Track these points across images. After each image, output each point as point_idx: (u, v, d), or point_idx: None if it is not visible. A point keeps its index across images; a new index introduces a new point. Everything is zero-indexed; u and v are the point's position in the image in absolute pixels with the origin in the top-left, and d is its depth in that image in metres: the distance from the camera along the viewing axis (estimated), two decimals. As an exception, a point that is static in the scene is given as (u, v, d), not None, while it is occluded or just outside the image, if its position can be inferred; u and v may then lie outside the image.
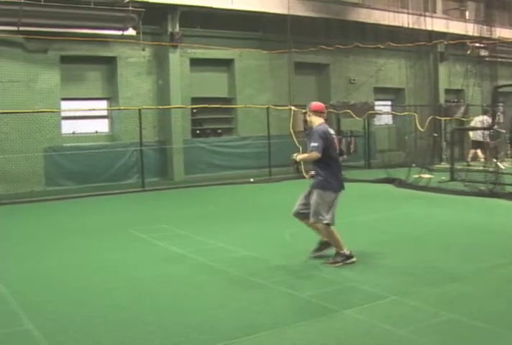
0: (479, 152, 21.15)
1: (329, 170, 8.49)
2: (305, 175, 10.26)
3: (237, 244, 9.65)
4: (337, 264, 8.08)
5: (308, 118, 8.96)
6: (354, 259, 8.21)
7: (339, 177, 8.67)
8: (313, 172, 8.71)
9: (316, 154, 8.29)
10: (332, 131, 8.72)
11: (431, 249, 9.02)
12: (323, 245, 8.71)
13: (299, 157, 8.82)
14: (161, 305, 6.50)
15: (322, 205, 8.39)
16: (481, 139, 20.45)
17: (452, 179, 17.05)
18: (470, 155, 21.49)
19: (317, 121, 8.74)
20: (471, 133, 22.00)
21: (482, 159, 19.88)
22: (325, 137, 8.34)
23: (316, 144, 8.30)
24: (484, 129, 19.05)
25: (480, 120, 21.09)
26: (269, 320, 5.85)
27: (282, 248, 9.37)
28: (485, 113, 21.50)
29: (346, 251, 8.25)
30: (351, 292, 6.75)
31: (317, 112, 8.87)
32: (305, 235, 10.29)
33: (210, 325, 5.79)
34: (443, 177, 17.26)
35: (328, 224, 8.30)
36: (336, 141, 8.71)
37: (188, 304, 6.53)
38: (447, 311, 5.95)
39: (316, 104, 9.05)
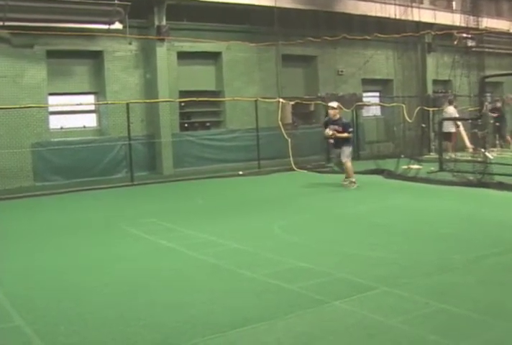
0: (467, 141, 21.13)
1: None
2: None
3: (227, 237, 9.64)
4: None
5: (336, 112, 15.35)
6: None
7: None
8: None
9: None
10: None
11: (420, 239, 9.04)
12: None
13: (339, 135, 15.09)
14: (152, 300, 6.49)
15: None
16: (453, 130, 20.56)
17: (441, 169, 17.10)
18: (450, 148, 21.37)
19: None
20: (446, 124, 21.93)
21: (471, 150, 19.88)
22: None
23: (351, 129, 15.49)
24: (473, 119, 19.05)
25: (450, 112, 21.16)
26: (259, 313, 5.85)
27: (272, 240, 9.36)
28: (450, 103, 21.58)
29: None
30: (341, 284, 6.74)
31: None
32: (294, 227, 10.35)
33: (201, 318, 5.79)
34: (432, 168, 17.30)
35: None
36: None
37: (178, 298, 6.52)
38: (437, 301, 5.96)
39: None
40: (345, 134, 15.11)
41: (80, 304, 6.45)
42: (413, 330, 5.22)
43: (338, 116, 15.37)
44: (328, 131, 15.10)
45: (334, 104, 15.62)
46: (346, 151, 15.27)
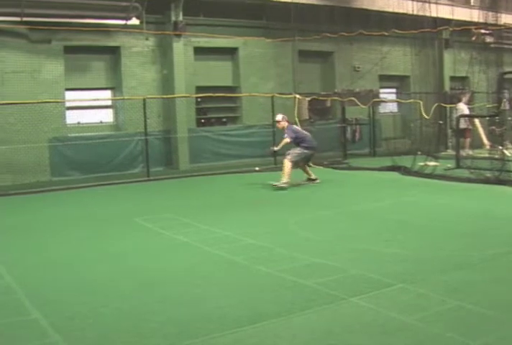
0: (484, 138, 21.00)
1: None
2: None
3: (242, 232, 9.65)
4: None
5: (282, 125, 15.61)
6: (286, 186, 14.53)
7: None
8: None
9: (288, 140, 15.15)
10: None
11: (436, 236, 9.01)
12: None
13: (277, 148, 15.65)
14: (167, 295, 6.51)
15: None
16: (465, 127, 20.43)
17: (458, 166, 17.02)
18: (467, 144, 21.20)
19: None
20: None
21: (488, 147, 19.76)
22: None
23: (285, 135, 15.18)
24: (491, 116, 18.93)
25: (460, 108, 21.05)
26: (275, 309, 5.85)
27: (287, 236, 9.36)
28: (459, 100, 21.44)
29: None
30: (357, 280, 6.73)
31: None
32: (309, 223, 10.34)
33: (216, 314, 5.80)
34: (448, 165, 17.23)
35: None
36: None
37: (194, 292, 6.54)
38: (454, 299, 5.94)
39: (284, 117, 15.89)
40: (282, 143, 15.32)
41: (95, 298, 6.48)
42: (429, 328, 5.20)
43: (287, 127, 15.54)
44: (272, 149, 16.06)
45: (279, 117, 15.92)
46: (292, 151, 15.15)
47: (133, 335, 5.34)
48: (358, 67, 24.83)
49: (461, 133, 19.95)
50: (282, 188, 14.46)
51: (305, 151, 15.18)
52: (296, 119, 19.64)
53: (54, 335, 5.38)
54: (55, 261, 8.28)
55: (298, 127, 16.40)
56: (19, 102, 16.80)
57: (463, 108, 21.08)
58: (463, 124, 20.31)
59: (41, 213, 12.61)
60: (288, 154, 14.98)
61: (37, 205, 13.88)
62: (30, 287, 6.95)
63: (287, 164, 14.82)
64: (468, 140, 20.67)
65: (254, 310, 5.86)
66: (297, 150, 15.08)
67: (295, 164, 15.20)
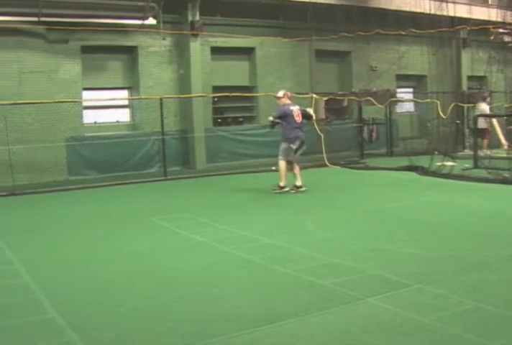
0: (502, 138, 20.87)
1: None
2: None
3: (260, 232, 9.65)
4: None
5: (283, 101, 14.37)
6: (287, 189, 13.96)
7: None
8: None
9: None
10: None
11: (453, 236, 8.97)
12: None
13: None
14: (184, 294, 6.51)
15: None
16: (484, 126, 20.28)
17: (475, 166, 16.93)
18: (485, 144, 21.06)
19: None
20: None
21: (506, 147, 19.65)
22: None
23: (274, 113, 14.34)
24: (509, 115, 18.84)
25: (481, 108, 20.91)
26: (292, 309, 5.85)
27: (305, 236, 9.35)
28: (483, 99, 21.29)
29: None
30: (374, 280, 6.71)
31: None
32: (326, 223, 10.33)
33: (233, 313, 5.80)
34: (466, 165, 17.14)
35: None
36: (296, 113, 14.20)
37: (211, 292, 6.54)
38: (471, 299, 5.91)
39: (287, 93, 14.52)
40: (270, 117, 14.42)
41: (111, 297, 6.50)
42: (447, 329, 5.17)
43: (285, 104, 14.42)
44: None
45: (280, 93, 14.62)
46: (281, 147, 14.23)
47: (150, 334, 5.35)
48: (375, 67, 24.77)
49: (480, 133, 19.85)
50: (286, 191, 14.01)
51: (291, 145, 14.06)
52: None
53: (71, 334, 5.40)
54: (71, 260, 8.31)
55: (295, 111, 14.33)
56: (37, 102, 16.87)
57: (485, 108, 20.93)
58: (483, 124, 20.18)
59: (57, 212, 12.66)
60: (279, 153, 14.22)
61: (53, 205, 13.93)
62: (47, 286, 6.97)
63: (280, 164, 14.16)
64: (486, 140, 20.55)
65: (272, 309, 5.86)
66: (283, 146, 14.14)
67: (289, 163, 14.17)
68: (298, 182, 14.19)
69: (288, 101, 14.39)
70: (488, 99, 21.48)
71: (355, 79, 24.46)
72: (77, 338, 5.31)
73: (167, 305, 6.16)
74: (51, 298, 6.47)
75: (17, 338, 5.37)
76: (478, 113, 20.49)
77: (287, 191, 13.98)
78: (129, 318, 5.78)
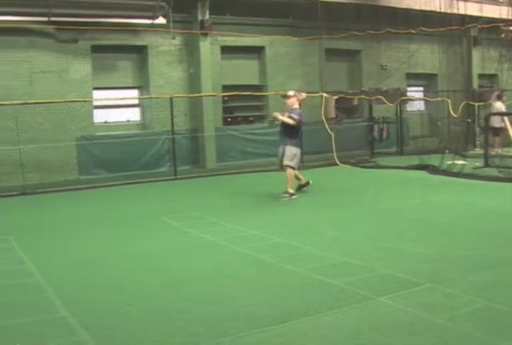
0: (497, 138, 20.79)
1: None
2: None
3: (270, 231, 9.64)
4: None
5: (293, 101, 13.37)
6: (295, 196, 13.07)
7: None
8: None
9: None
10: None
11: (464, 235, 8.93)
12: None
13: (281, 117, 13.18)
14: (194, 293, 6.51)
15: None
16: (500, 125, 20.21)
17: (486, 165, 16.87)
18: (496, 143, 20.99)
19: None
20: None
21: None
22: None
23: (296, 117, 13.09)
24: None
25: (496, 107, 20.84)
26: (303, 308, 5.84)
27: (315, 235, 9.33)
28: (499, 98, 21.22)
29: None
30: (385, 279, 6.69)
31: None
32: (336, 222, 10.31)
33: (244, 312, 5.79)
34: (477, 164, 17.09)
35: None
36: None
37: (221, 291, 6.54)
38: (482, 298, 5.88)
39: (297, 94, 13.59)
40: (286, 118, 13.00)
41: (121, 296, 6.51)
42: (458, 328, 5.15)
43: (296, 106, 13.38)
44: (276, 114, 13.28)
45: (291, 92, 13.67)
46: (290, 151, 13.08)
47: (160, 333, 5.35)
48: (385, 66, 24.74)
49: (495, 132, 19.80)
50: (287, 199, 13.07)
51: (299, 149, 13.43)
52: (323, 118, 19.59)
53: (82, 333, 5.41)
54: (81, 259, 8.33)
55: None
56: (47, 101, 16.91)
57: (500, 107, 20.86)
58: (498, 123, 20.12)
59: (68, 212, 12.67)
60: (286, 157, 13.09)
61: (64, 204, 13.95)
62: (58, 285, 6.98)
63: (291, 172, 13.17)
64: (498, 138, 20.49)
65: (282, 309, 5.85)
66: (294, 150, 13.16)
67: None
68: (303, 180, 13.83)
69: (297, 104, 13.48)
70: (504, 98, 21.41)
71: (365, 78, 24.43)
72: (87, 336, 5.31)
73: (177, 304, 6.15)
74: (62, 297, 6.48)
75: (28, 336, 5.37)
76: (494, 111, 20.41)
77: (295, 198, 13.05)
78: (139, 318, 5.78)
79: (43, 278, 7.29)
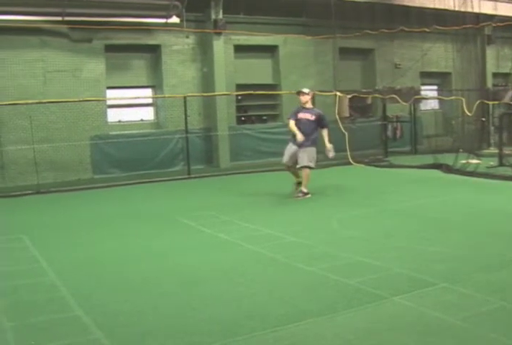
0: None
1: None
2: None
3: (284, 230, 9.64)
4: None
5: (308, 99, 13.34)
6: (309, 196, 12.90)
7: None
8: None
9: None
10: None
11: (479, 235, 8.90)
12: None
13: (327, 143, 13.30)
14: (209, 292, 6.51)
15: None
16: None
17: (501, 164, 16.79)
18: None
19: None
20: None
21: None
22: None
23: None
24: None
25: None
26: (317, 307, 5.83)
27: (330, 234, 9.33)
28: None
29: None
30: (399, 279, 6.68)
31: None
32: (351, 221, 10.29)
33: (258, 311, 5.80)
34: (491, 163, 17.02)
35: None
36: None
37: (235, 290, 6.55)
38: (498, 298, 5.86)
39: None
40: (326, 136, 13.22)
41: (136, 295, 6.52)
42: (473, 328, 5.13)
43: (310, 105, 13.50)
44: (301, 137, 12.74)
45: (306, 90, 13.63)
46: (310, 153, 12.98)
47: (175, 332, 5.36)
48: (399, 64, 24.64)
49: None
50: (301, 199, 12.96)
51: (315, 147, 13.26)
52: (337, 116, 19.57)
53: (96, 331, 5.42)
54: (95, 258, 8.35)
55: None
56: (61, 100, 16.99)
57: None
58: None
59: (82, 211, 12.70)
60: (304, 160, 12.96)
61: (78, 203, 13.99)
62: (72, 284, 7.00)
63: (307, 171, 13.06)
64: None
65: (297, 308, 5.85)
66: (314, 150, 13.13)
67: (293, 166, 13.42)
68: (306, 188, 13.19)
69: (310, 103, 13.55)
70: None
71: (379, 76, 24.35)
72: (102, 335, 5.33)
73: (192, 303, 6.16)
74: (76, 296, 6.50)
75: (43, 335, 5.39)
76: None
77: (309, 197, 12.95)
78: (154, 317, 5.79)
79: (57, 277, 7.31)
